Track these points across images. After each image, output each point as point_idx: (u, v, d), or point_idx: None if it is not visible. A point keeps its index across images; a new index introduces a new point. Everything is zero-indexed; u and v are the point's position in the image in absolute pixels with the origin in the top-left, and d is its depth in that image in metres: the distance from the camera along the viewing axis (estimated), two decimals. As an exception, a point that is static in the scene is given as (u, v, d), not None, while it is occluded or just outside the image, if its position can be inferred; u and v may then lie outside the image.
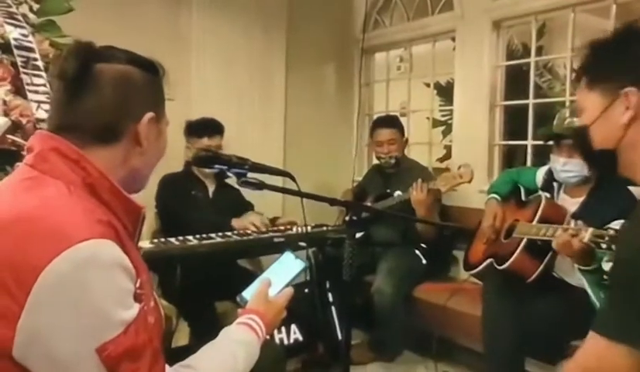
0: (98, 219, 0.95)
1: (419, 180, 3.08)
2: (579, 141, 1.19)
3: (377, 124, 3.59)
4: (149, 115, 1.11)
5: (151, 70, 1.15)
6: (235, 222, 2.95)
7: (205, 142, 3.08)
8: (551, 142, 2.53)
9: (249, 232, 2.89)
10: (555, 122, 2.58)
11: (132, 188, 1.17)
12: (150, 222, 3.15)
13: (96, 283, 0.90)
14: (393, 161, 3.43)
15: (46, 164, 1.02)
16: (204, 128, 3.12)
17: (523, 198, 2.72)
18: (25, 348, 0.88)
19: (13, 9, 2.38)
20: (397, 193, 3.22)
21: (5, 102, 2.20)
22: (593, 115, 1.13)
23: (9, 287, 0.87)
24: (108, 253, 0.92)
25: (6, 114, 2.19)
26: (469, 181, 3.00)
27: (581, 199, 2.40)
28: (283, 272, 1.49)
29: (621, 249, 1.05)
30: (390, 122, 3.57)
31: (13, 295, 0.87)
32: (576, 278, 2.27)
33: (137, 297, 0.98)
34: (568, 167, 2.39)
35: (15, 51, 2.28)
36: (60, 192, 0.98)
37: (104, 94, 1.06)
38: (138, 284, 1.00)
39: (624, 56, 1.10)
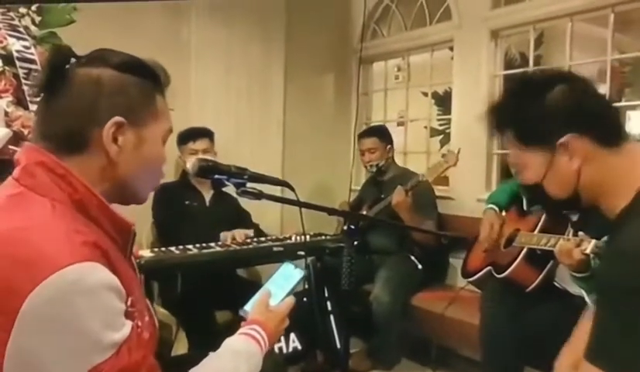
0: (83, 241, 0.92)
1: (399, 186, 3.13)
2: (535, 197, 1.18)
3: (359, 135, 3.75)
4: (115, 119, 1.02)
5: (144, 75, 1.09)
6: (223, 235, 2.95)
7: (191, 146, 3.10)
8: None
9: (248, 240, 2.90)
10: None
11: (125, 200, 1.13)
12: (147, 233, 3.16)
13: (82, 308, 0.87)
14: (374, 169, 3.50)
15: (32, 179, 0.99)
16: (191, 133, 3.14)
17: (525, 207, 2.72)
18: None
19: (16, 22, 2.40)
20: (390, 197, 3.24)
21: (7, 113, 2.22)
22: (540, 172, 1.13)
23: None
24: (94, 277, 0.89)
25: (8, 125, 2.21)
26: (455, 164, 3.06)
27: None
28: (283, 282, 1.49)
29: (609, 271, 1.04)
30: (371, 131, 3.68)
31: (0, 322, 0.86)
32: (576, 286, 2.27)
33: (129, 315, 0.96)
34: None
35: (18, 63, 2.31)
36: (44, 212, 0.94)
37: (71, 98, 1.02)
38: (129, 302, 0.97)
39: (541, 110, 1.10)
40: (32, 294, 0.84)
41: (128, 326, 0.94)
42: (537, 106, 1.10)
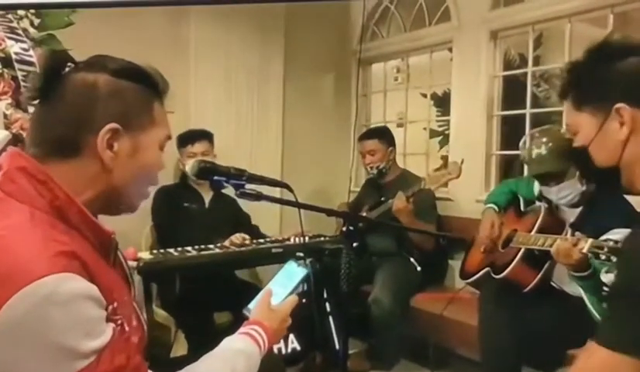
0: (59, 251, 0.90)
1: (399, 192, 3.11)
2: (580, 161, 1.19)
3: (360, 137, 3.72)
4: (110, 126, 1.01)
5: (142, 81, 1.08)
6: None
7: (190, 149, 3.10)
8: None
9: (246, 242, 2.90)
10: (521, 155, 2.56)
11: (114, 210, 1.11)
12: (147, 235, 3.17)
13: (57, 320, 0.85)
14: (375, 171, 3.48)
15: (12, 185, 0.97)
16: (190, 135, 3.14)
17: (522, 208, 2.72)
18: None
19: (14, 24, 2.41)
20: (390, 201, 3.23)
21: (5, 116, 2.22)
22: (589, 136, 1.14)
23: None
24: (70, 287, 0.87)
25: (7, 127, 2.22)
26: (457, 176, 3.01)
27: (579, 209, 2.41)
28: (286, 281, 1.49)
29: (629, 262, 1.03)
30: (372, 133, 3.65)
31: None
32: (574, 287, 2.28)
33: (111, 321, 0.95)
34: (562, 193, 2.36)
35: (16, 65, 2.31)
36: (22, 221, 0.93)
37: (64, 104, 1.01)
38: (110, 310, 0.96)
39: (608, 74, 1.11)
40: (7, 305, 0.83)
41: (108, 332, 0.93)
42: (603, 70, 1.11)
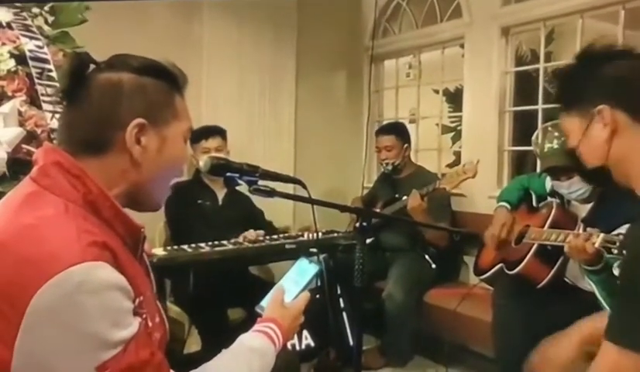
0: (92, 241, 0.93)
1: (414, 190, 3.10)
2: (575, 162, 1.24)
3: (376, 131, 3.72)
4: (137, 121, 1.05)
5: (163, 76, 1.11)
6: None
7: (203, 144, 3.12)
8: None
9: (260, 238, 2.91)
10: (534, 149, 2.55)
11: (141, 205, 1.14)
12: (160, 231, 3.18)
13: (89, 307, 0.88)
14: (390, 167, 3.47)
15: (47, 179, 1.01)
16: (203, 131, 3.15)
17: (534, 204, 2.71)
18: (23, 370, 0.88)
19: (29, 22, 2.43)
20: (405, 198, 3.22)
21: (20, 113, 2.24)
22: (577, 137, 1.20)
23: (4, 310, 0.88)
24: (101, 276, 0.90)
25: (21, 124, 2.24)
26: (473, 176, 2.99)
27: (591, 204, 2.40)
28: (298, 277, 1.48)
29: (629, 256, 1.07)
30: (388, 129, 3.63)
31: (8, 318, 0.87)
32: (587, 282, 2.26)
33: (137, 315, 0.98)
34: (573, 187, 2.34)
35: (30, 62, 2.33)
36: (57, 212, 0.96)
37: (90, 103, 1.05)
38: (137, 303, 0.99)
39: (590, 77, 1.16)
40: (40, 291, 0.86)
41: (135, 324, 0.95)
42: (587, 74, 1.17)
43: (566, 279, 2.46)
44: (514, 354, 2.40)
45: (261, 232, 2.99)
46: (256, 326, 1.31)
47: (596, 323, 1.05)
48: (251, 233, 2.93)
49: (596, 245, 1.93)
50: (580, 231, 2.21)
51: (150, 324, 1.03)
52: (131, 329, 0.93)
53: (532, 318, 2.36)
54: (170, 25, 3.62)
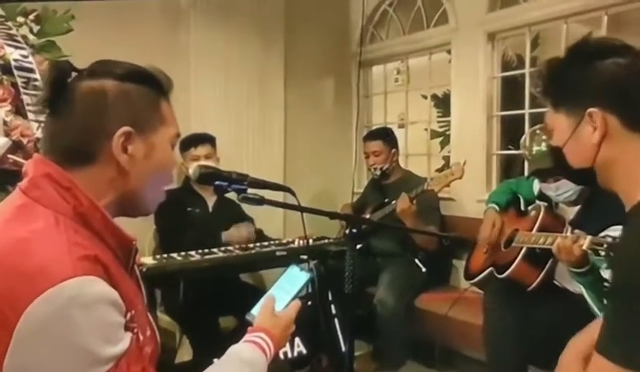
0: (83, 255, 0.91)
1: (403, 193, 3.12)
2: (556, 161, 1.19)
3: (364, 137, 3.75)
4: (123, 129, 1.02)
5: (147, 82, 1.08)
6: (225, 235, 2.96)
7: (193, 152, 3.12)
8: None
9: (251, 245, 2.90)
10: (522, 152, 2.57)
11: (133, 212, 1.13)
12: (150, 240, 3.17)
13: (80, 322, 0.86)
14: (378, 173, 3.49)
15: (37, 191, 0.99)
16: (192, 139, 3.15)
17: (522, 207, 2.73)
18: None
19: (14, 31, 2.42)
20: (394, 202, 3.23)
21: (5, 122, 2.23)
22: (564, 137, 1.14)
23: None
24: (93, 290, 0.89)
25: (7, 134, 2.23)
26: (460, 177, 3.00)
27: (578, 207, 2.42)
28: (289, 286, 1.47)
29: (620, 269, 1.03)
30: (376, 134, 3.65)
31: None
32: (576, 285, 2.28)
33: (128, 329, 0.96)
34: (561, 190, 2.36)
35: (16, 72, 2.32)
36: (47, 225, 0.94)
37: (74, 113, 1.02)
38: (129, 317, 0.97)
39: (583, 75, 1.09)
40: (31, 306, 0.84)
41: (127, 340, 0.94)
42: (580, 70, 1.10)
43: (555, 281, 2.47)
44: (505, 357, 2.42)
45: (251, 226, 2.98)
46: (247, 336, 1.30)
47: (592, 335, 1.01)
48: (240, 228, 2.92)
49: (584, 247, 1.95)
50: (568, 234, 2.23)
51: (141, 338, 1.01)
52: (122, 345, 0.92)
53: (523, 321, 2.37)
54: (157, 34, 3.61)
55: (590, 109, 1.06)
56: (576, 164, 1.14)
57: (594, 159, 1.09)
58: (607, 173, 1.11)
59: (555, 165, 1.21)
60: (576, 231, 2.20)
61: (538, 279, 2.40)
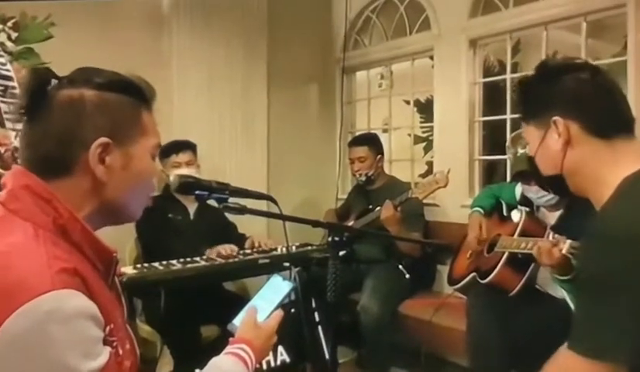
0: (62, 268, 0.90)
1: (387, 200, 3.11)
2: (532, 170, 1.29)
3: (349, 142, 3.75)
4: (100, 140, 1.00)
5: (128, 91, 1.06)
6: (208, 252, 2.94)
7: (174, 159, 3.10)
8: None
9: (234, 254, 2.88)
10: (507, 155, 2.61)
11: (117, 220, 1.12)
12: (131, 249, 3.13)
13: (58, 337, 0.85)
14: (363, 178, 3.48)
15: (16, 203, 0.98)
16: (173, 146, 3.13)
17: (505, 212, 2.74)
18: None
19: (-9, 39, 2.39)
20: (378, 208, 3.23)
21: (-17, 131, 2.20)
22: (534, 147, 1.25)
23: None
24: (71, 305, 0.88)
25: (-15, 143, 2.19)
26: (445, 186, 3.00)
27: (560, 212, 2.43)
28: (271, 295, 1.46)
29: (581, 263, 1.12)
30: (361, 140, 3.65)
31: None
32: (557, 289, 2.29)
33: (107, 343, 0.95)
34: (542, 192, 2.39)
35: (-6, 80, 2.29)
36: (26, 238, 0.93)
37: (52, 122, 1.00)
38: (107, 331, 0.96)
39: (547, 90, 1.21)
40: (8, 321, 0.83)
41: (105, 354, 0.92)
42: (543, 87, 1.22)
43: (537, 286, 2.48)
44: (488, 362, 2.42)
45: (235, 247, 2.96)
46: (228, 348, 1.28)
47: None
48: (225, 248, 2.89)
49: (564, 251, 1.98)
50: (550, 238, 2.24)
51: (121, 351, 1.00)
52: (101, 360, 0.90)
53: (506, 326, 2.38)
54: (139, 40, 3.59)
55: (554, 118, 1.17)
56: (546, 171, 1.24)
57: (562, 165, 1.19)
58: (575, 178, 1.19)
59: (532, 174, 1.28)
60: (557, 236, 2.21)
61: (520, 284, 2.41)
